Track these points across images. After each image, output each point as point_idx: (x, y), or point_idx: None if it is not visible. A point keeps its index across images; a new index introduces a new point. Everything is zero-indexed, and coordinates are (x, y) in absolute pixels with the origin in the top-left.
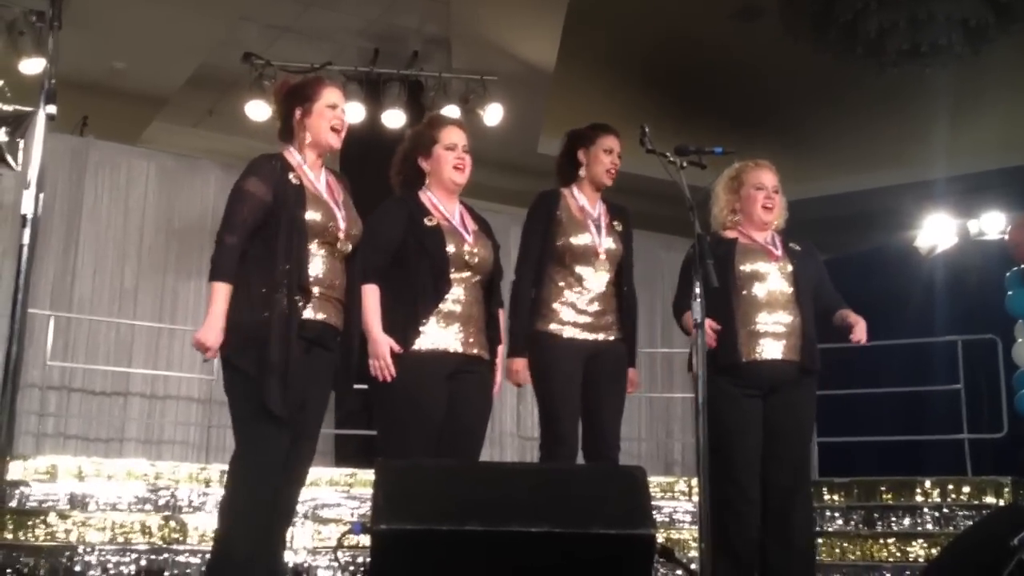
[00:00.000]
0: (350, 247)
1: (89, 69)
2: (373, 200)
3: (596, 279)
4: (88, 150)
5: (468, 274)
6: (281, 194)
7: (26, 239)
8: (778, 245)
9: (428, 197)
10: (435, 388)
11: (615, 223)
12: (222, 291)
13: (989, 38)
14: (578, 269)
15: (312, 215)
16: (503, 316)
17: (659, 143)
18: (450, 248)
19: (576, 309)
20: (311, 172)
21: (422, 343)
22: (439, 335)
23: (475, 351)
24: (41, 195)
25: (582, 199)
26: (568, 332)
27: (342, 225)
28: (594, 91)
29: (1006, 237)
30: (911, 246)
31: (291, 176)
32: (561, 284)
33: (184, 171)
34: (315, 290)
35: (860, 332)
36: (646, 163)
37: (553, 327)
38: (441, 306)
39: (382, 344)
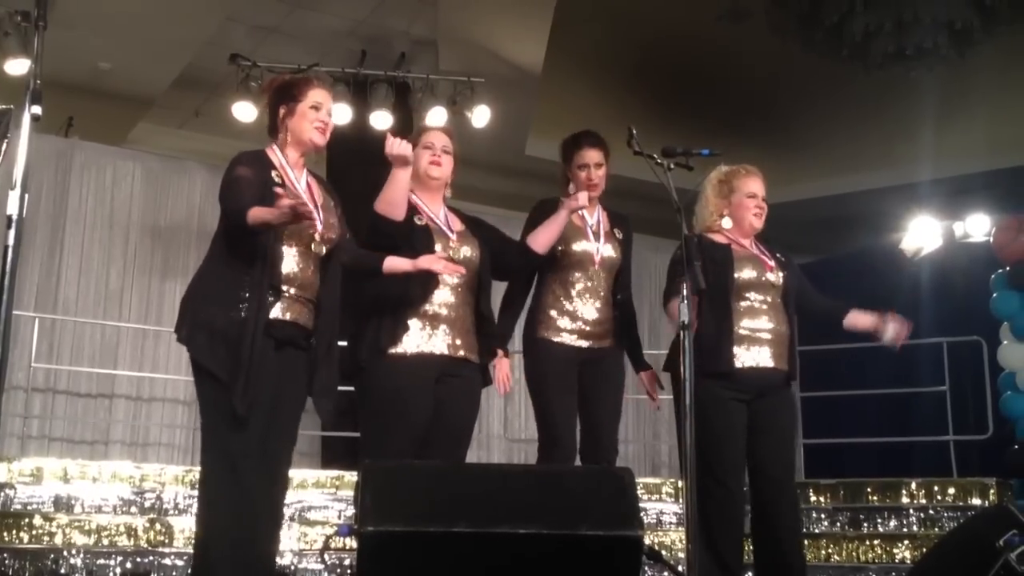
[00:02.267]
0: (325, 249)
1: (75, 70)
2: (361, 201)
3: (592, 286)
4: (73, 151)
5: (453, 276)
6: (261, 189)
7: (11, 240)
8: (767, 254)
9: (413, 198)
10: (421, 392)
11: (615, 231)
12: (259, 211)
13: (975, 41)
14: (574, 276)
15: None
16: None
17: (646, 144)
18: (437, 248)
19: (572, 316)
20: (292, 172)
21: (408, 345)
22: (425, 337)
23: (461, 353)
24: (26, 196)
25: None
26: (564, 338)
27: (319, 227)
28: (582, 93)
29: (991, 239)
30: (897, 248)
31: (273, 174)
32: (558, 291)
33: (170, 172)
34: (287, 289)
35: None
36: (633, 164)
37: (549, 333)
38: (427, 308)
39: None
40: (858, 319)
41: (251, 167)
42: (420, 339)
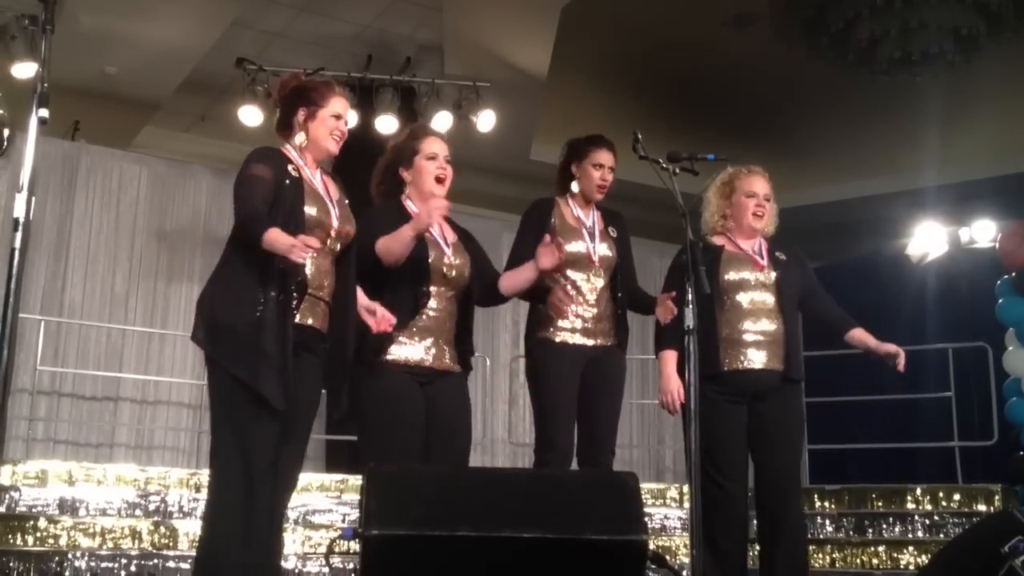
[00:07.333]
0: (339, 246)
1: (81, 74)
2: (365, 205)
3: (591, 286)
4: (80, 155)
5: (444, 288)
6: (281, 185)
7: (17, 243)
8: (764, 254)
9: (409, 207)
10: (410, 392)
11: (610, 229)
12: (273, 232)
13: (980, 47)
14: (573, 276)
15: (309, 209)
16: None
17: (652, 150)
18: (430, 258)
19: (573, 315)
20: (307, 168)
21: (394, 354)
22: (410, 347)
23: (446, 364)
24: (32, 199)
25: (576, 208)
26: (566, 337)
27: (336, 223)
28: (587, 98)
29: (997, 245)
30: (903, 254)
31: (291, 168)
32: (558, 291)
33: (176, 176)
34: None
35: (901, 361)
36: (639, 170)
37: (551, 333)
38: (413, 318)
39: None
40: (863, 338)
41: (267, 164)
42: (406, 349)
